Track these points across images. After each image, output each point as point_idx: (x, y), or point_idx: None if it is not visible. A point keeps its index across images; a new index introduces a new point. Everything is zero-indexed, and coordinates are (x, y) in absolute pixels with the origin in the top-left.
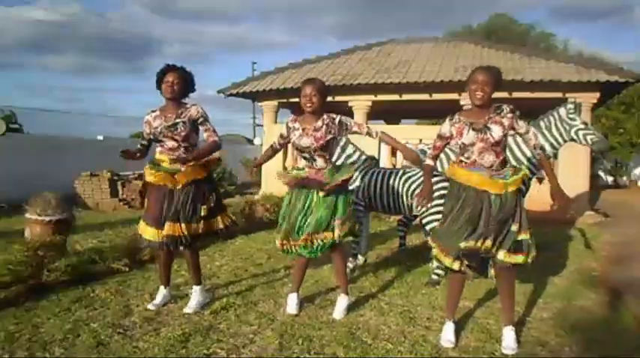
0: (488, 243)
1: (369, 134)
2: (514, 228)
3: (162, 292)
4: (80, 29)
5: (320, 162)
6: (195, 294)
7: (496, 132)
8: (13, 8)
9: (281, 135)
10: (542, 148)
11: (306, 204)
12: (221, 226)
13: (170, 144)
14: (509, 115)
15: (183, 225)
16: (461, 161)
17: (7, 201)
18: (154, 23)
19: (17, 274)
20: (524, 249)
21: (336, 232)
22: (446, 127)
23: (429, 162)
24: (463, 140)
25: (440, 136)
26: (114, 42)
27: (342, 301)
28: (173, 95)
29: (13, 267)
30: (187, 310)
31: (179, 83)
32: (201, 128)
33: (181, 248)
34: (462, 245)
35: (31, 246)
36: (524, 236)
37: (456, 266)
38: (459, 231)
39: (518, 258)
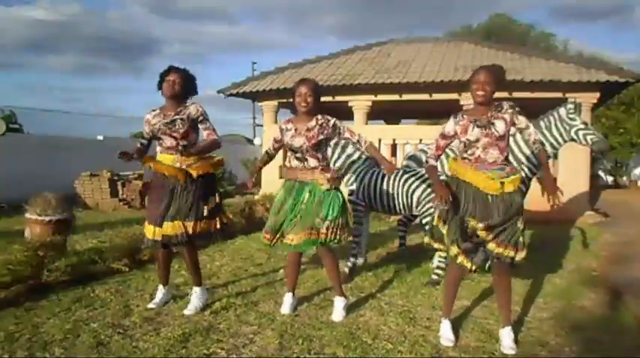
0: (484, 233)
1: (358, 142)
2: (520, 225)
3: (161, 291)
4: (80, 29)
5: (312, 162)
6: (195, 296)
7: (500, 126)
8: (12, 8)
9: (275, 140)
10: (541, 143)
11: (298, 201)
12: (217, 226)
13: (168, 142)
14: (510, 111)
15: (185, 224)
16: (464, 158)
17: (7, 201)
18: (153, 23)
19: (17, 274)
20: (520, 246)
21: (326, 233)
22: (450, 126)
23: (432, 162)
24: (468, 137)
25: (444, 135)
26: (114, 42)
27: (339, 303)
28: (173, 93)
29: (13, 266)
30: (187, 312)
31: (179, 83)
32: (200, 126)
33: (177, 247)
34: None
35: (31, 246)
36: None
37: (454, 250)
38: (459, 223)
39: (511, 253)
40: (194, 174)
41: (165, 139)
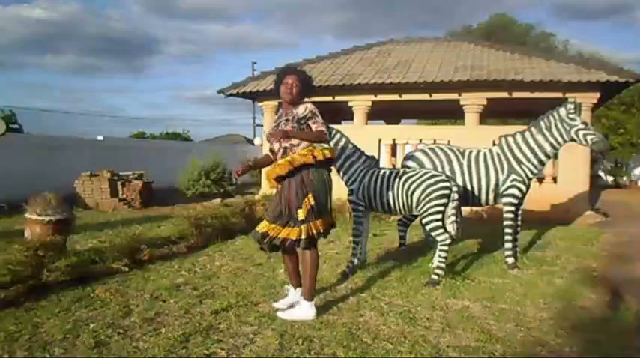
0: None
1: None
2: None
3: (291, 292)
4: (80, 28)
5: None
6: (299, 306)
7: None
8: (10, 7)
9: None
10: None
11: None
12: (301, 236)
13: (275, 145)
14: None
15: (282, 230)
16: None
17: (7, 201)
18: (153, 23)
19: (17, 274)
20: None
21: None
22: None
23: None
24: None
25: None
26: (113, 41)
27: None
28: (291, 98)
29: (13, 266)
30: (279, 305)
31: (297, 86)
32: (310, 123)
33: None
34: None
35: (31, 246)
36: None
37: None
38: None
39: None
40: (270, 178)
41: (273, 145)
